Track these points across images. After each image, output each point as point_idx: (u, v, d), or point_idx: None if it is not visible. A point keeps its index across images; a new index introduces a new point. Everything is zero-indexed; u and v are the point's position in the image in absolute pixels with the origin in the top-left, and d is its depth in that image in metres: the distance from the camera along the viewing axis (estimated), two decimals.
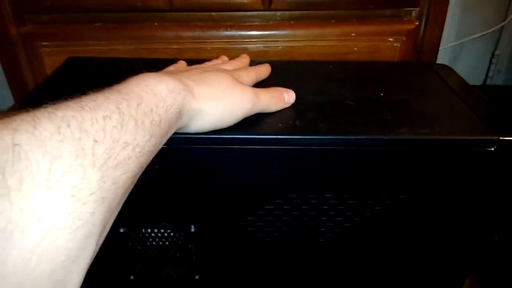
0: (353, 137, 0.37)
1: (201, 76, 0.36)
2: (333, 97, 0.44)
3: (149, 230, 0.43)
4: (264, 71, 0.46)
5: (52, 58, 0.74)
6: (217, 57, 0.48)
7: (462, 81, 0.49)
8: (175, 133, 0.33)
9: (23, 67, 0.78)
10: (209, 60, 0.46)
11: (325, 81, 0.48)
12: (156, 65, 0.51)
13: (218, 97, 0.35)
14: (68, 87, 0.46)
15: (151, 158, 0.30)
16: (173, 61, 0.56)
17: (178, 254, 0.44)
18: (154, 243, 0.44)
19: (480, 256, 0.91)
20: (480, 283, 0.90)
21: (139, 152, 0.27)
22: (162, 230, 0.43)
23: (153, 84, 0.30)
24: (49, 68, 0.75)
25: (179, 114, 0.32)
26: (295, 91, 0.46)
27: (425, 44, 0.77)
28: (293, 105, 0.42)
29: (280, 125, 0.39)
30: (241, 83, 0.38)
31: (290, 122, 0.39)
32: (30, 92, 0.46)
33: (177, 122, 0.32)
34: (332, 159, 0.39)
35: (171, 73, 0.35)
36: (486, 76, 1.15)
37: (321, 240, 0.44)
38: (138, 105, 0.28)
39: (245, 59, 0.48)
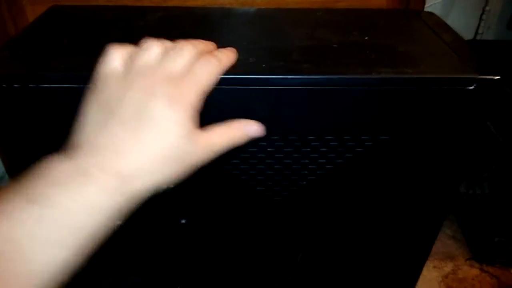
0: (336, 76, 0.38)
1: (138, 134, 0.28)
2: (318, 41, 0.44)
3: None
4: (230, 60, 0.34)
5: (34, 8, 0.72)
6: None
7: (447, 27, 0.49)
8: None
9: (6, 20, 0.76)
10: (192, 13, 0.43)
11: (312, 27, 0.48)
12: (140, 14, 0.51)
13: (162, 165, 0.29)
14: (48, 36, 0.45)
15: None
16: (158, 8, 0.55)
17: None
18: None
19: (456, 199, 0.93)
20: (462, 233, 0.93)
21: None
22: None
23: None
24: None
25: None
26: (280, 37, 0.46)
27: None
28: (278, 48, 0.42)
29: (263, 65, 0.39)
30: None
31: (274, 63, 0.39)
32: (8, 40, 0.44)
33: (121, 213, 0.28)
34: (315, 99, 0.39)
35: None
36: (476, 32, 1.14)
37: (304, 182, 0.45)
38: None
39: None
